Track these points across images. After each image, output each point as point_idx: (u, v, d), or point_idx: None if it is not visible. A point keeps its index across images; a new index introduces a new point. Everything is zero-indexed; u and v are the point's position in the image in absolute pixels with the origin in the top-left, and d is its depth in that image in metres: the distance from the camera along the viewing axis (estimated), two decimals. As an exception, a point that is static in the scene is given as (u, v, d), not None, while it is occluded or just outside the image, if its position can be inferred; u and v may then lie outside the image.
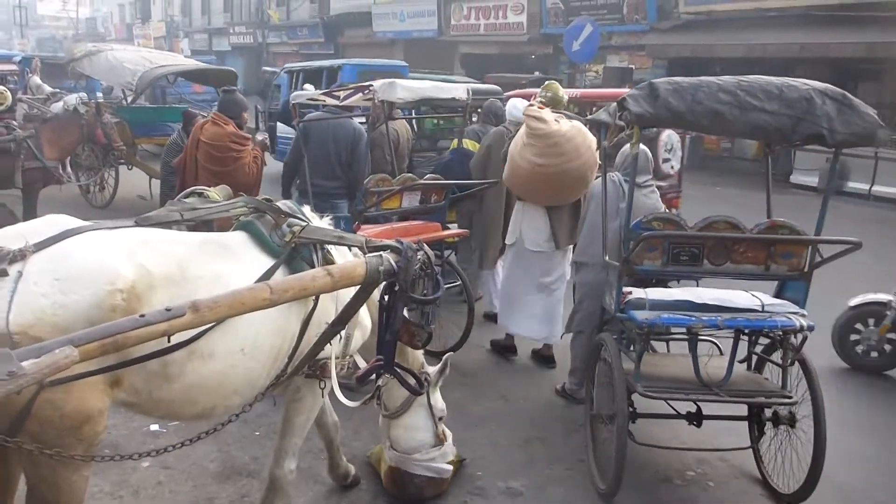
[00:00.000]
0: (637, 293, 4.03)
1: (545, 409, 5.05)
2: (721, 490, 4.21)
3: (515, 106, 6.26)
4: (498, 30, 24.06)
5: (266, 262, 2.77)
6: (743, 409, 4.30)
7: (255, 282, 2.51)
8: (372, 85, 5.83)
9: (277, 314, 2.65)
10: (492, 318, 6.38)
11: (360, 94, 6.03)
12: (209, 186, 3.32)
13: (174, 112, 11.14)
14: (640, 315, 3.83)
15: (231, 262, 2.69)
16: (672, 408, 4.32)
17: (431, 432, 3.74)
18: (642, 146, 4.45)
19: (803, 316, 3.86)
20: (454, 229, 6.27)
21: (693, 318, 3.77)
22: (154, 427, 4.39)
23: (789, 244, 4.01)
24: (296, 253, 2.85)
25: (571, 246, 5.45)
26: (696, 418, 4.27)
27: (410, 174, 6.05)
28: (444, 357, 3.74)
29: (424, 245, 3.06)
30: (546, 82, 6.27)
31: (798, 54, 15.83)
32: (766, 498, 4.13)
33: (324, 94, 6.52)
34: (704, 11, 18.32)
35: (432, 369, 3.61)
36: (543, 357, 5.84)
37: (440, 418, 3.70)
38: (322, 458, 4.00)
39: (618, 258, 4.12)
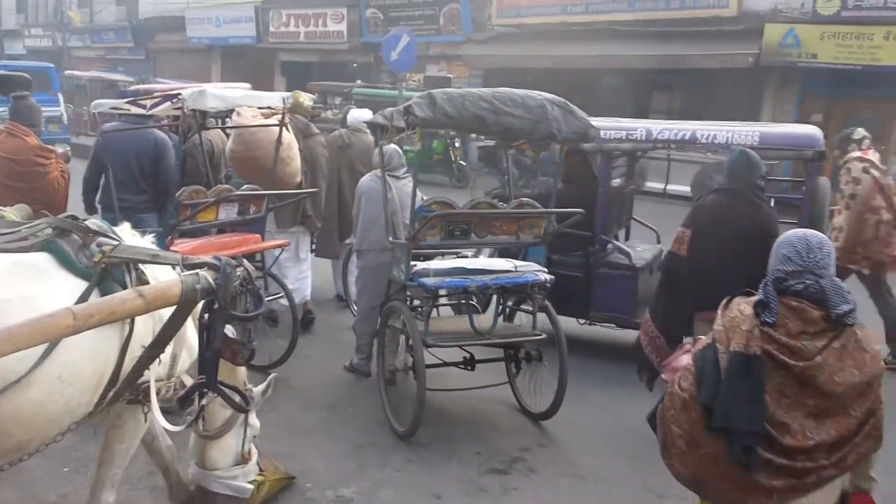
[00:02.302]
0: (421, 265, 4.83)
1: (374, 415, 5.10)
2: (490, 416, 5.18)
3: (355, 115, 7.43)
4: (318, 38, 23.90)
5: (79, 284, 2.62)
6: (504, 355, 5.28)
7: (69, 306, 2.37)
8: (181, 94, 5.62)
9: (97, 337, 2.52)
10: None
11: (169, 103, 5.80)
12: (7, 205, 3.09)
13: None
14: (429, 281, 4.65)
15: (41, 284, 2.52)
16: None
17: (239, 451, 3.67)
18: (393, 145, 5.39)
19: (545, 272, 4.92)
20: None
21: (469, 280, 4.73)
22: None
23: (532, 218, 5.13)
24: (107, 274, 2.71)
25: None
26: (469, 363, 5.19)
27: (227, 185, 5.90)
28: (269, 378, 3.71)
29: (244, 261, 3.03)
30: (293, 91, 7.24)
31: (601, 65, 17.09)
32: (522, 415, 5.21)
33: (128, 102, 6.18)
34: (515, 24, 19.29)
35: (256, 389, 3.57)
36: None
37: (254, 436, 3.66)
38: (140, 488, 3.82)
39: (405, 237, 4.90)
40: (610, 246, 6.32)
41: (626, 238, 7.24)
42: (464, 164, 7.84)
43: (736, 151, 4.63)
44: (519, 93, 4.89)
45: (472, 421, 5.13)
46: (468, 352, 5.20)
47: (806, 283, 2.38)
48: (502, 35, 19.52)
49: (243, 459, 3.61)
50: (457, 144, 9.62)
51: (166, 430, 2.89)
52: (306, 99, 6.89)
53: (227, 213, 5.65)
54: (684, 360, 2.73)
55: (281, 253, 6.11)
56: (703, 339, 2.58)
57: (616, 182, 6.75)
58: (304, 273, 6.79)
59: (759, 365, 2.34)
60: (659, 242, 7.02)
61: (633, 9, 17.08)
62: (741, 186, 4.40)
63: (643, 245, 6.96)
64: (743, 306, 2.48)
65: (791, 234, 2.52)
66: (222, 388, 3.05)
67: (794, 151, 5.63)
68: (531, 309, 5.00)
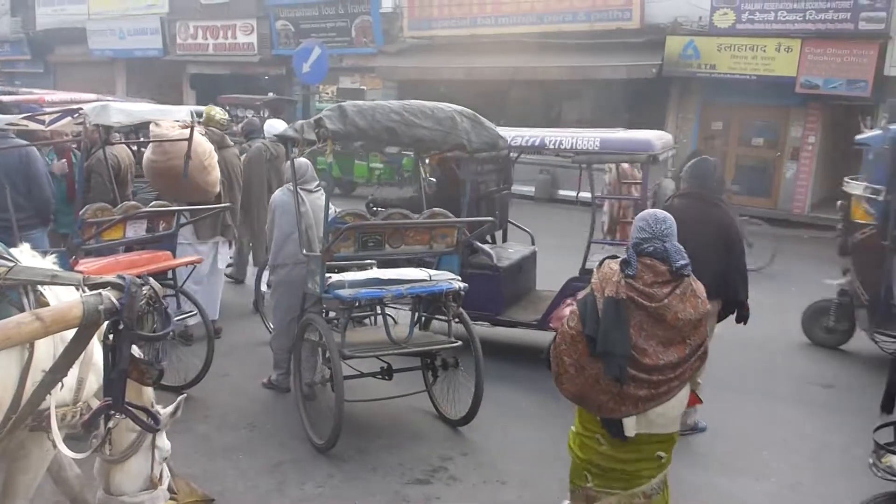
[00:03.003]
0: (336, 277, 4.82)
1: (294, 431, 5.04)
2: (410, 426, 5.22)
3: (272, 125, 7.82)
4: (228, 50, 23.43)
5: None
6: (421, 363, 5.32)
7: None
8: (82, 108, 5.42)
9: None
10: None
11: (70, 119, 5.58)
12: None
13: None
14: (344, 293, 4.64)
15: None
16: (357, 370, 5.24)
17: (148, 475, 3.55)
18: (303, 158, 5.42)
19: (459, 280, 4.99)
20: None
21: (384, 291, 4.74)
22: None
23: (444, 227, 5.24)
24: (2, 297, 2.59)
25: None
26: (387, 373, 5.18)
27: (134, 202, 5.72)
28: (178, 399, 3.61)
29: (150, 279, 2.94)
30: (208, 106, 7.50)
31: (513, 76, 17.40)
32: (443, 423, 5.27)
33: (25, 118, 5.89)
34: (427, 36, 19.43)
35: (164, 410, 3.47)
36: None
37: (164, 458, 3.55)
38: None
39: (319, 250, 4.89)
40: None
41: (504, 239, 7.53)
42: (433, 180, 7.91)
43: (694, 161, 5.56)
44: (428, 105, 5.02)
45: (392, 432, 5.13)
46: (385, 362, 5.21)
47: (655, 247, 3.22)
48: (414, 47, 19.64)
49: (153, 483, 3.48)
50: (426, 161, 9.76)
51: (73, 458, 2.76)
52: (219, 112, 7.08)
53: (136, 230, 5.49)
54: (567, 310, 3.47)
55: (193, 269, 5.96)
56: (583, 291, 3.33)
57: (491, 186, 7.12)
58: (218, 284, 6.90)
59: (624, 306, 3.14)
60: (533, 244, 7.33)
61: (541, 21, 17.46)
62: (701, 190, 5.18)
63: (517, 246, 7.23)
64: (613, 265, 3.27)
65: (644, 213, 3.40)
66: (130, 409, 2.94)
67: (629, 154, 6.02)
68: (446, 317, 5.06)
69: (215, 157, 6.47)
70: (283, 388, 5.65)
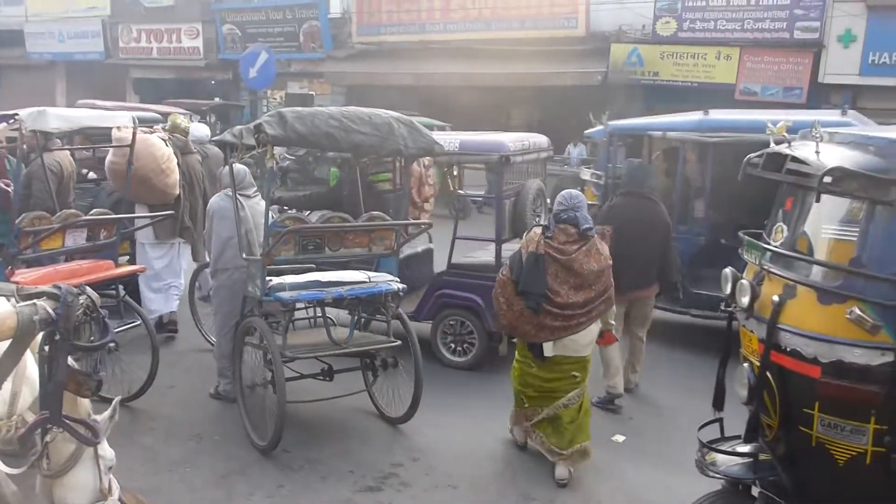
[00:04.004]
0: (276, 280, 4.85)
1: (241, 441, 4.96)
2: (360, 432, 5.17)
3: (198, 127, 7.98)
4: (173, 54, 23.01)
5: None
6: (361, 364, 5.42)
7: None
8: (17, 114, 5.25)
9: None
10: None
11: (5, 125, 5.41)
12: None
13: None
14: (285, 295, 4.70)
15: None
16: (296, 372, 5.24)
17: (96, 487, 3.45)
18: (240, 164, 5.37)
19: (397, 282, 5.11)
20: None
21: (324, 293, 4.83)
22: None
23: (382, 230, 5.36)
24: None
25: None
26: (327, 374, 5.27)
27: (74, 210, 5.57)
28: (114, 402, 3.52)
29: (87, 288, 2.86)
30: (171, 114, 7.72)
31: (462, 82, 17.48)
32: (392, 427, 5.30)
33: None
34: (376, 42, 19.40)
35: (101, 416, 3.38)
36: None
37: (109, 468, 3.46)
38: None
39: (259, 254, 4.91)
40: None
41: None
42: (461, 193, 7.53)
43: (633, 164, 6.60)
44: (366, 111, 5.18)
45: (341, 438, 5.11)
46: (326, 363, 5.27)
47: (569, 215, 4.48)
48: (363, 52, 19.58)
49: (102, 495, 3.39)
50: (455, 173, 8.80)
51: (8, 474, 2.67)
52: (183, 120, 7.24)
53: (75, 239, 5.35)
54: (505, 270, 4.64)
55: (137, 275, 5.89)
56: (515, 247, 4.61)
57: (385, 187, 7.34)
58: (178, 285, 6.97)
59: (543, 259, 4.43)
60: (430, 242, 7.50)
61: (489, 28, 17.61)
62: (640, 189, 5.93)
63: (415, 242, 7.25)
64: (537, 230, 4.58)
65: (563, 192, 4.65)
66: (67, 422, 2.86)
67: (485, 155, 6.38)
68: (385, 318, 5.18)
69: (174, 160, 6.53)
70: (231, 398, 5.55)
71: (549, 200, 6.48)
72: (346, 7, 19.70)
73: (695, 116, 7.52)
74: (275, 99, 20.99)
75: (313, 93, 20.45)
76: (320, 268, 5.28)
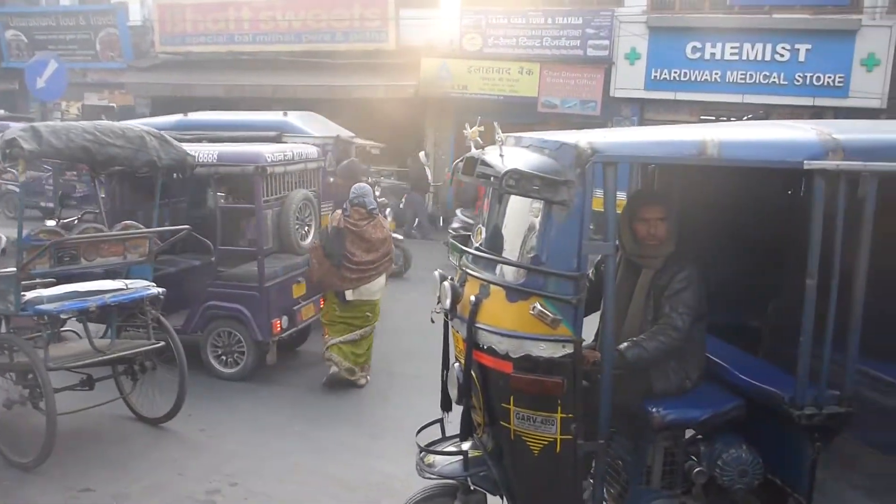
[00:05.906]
0: (32, 293, 4.87)
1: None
2: (167, 462, 5.04)
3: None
4: (-54, 61, 20.83)
5: None
6: (120, 370, 5.51)
7: None
8: None
9: None
10: None
11: None
12: None
13: None
14: (49, 307, 4.75)
15: None
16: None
17: None
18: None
19: (154, 286, 5.34)
20: None
21: (87, 302, 4.94)
22: None
23: (136, 239, 5.58)
24: None
25: None
26: (88, 384, 5.35)
27: None
28: None
29: None
30: None
31: (272, 94, 17.05)
32: (202, 451, 5.22)
33: None
34: (181, 52, 18.55)
35: None
36: None
37: None
38: None
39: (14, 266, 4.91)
40: None
41: (182, 250, 7.47)
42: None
43: (345, 162, 8.33)
44: (119, 125, 5.55)
45: (150, 469, 4.87)
46: (84, 373, 5.31)
47: (360, 201, 6.19)
48: (168, 62, 18.66)
49: None
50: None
51: None
52: None
53: None
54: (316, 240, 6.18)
55: None
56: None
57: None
58: None
59: (343, 231, 6.12)
60: (212, 255, 7.04)
61: (299, 41, 17.38)
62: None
63: (189, 257, 7.30)
64: (338, 212, 6.34)
65: (357, 186, 6.37)
66: None
67: (241, 167, 6.40)
68: (140, 323, 5.34)
69: None
70: None
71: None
72: (147, 15, 18.69)
73: (175, 118, 8.55)
74: (70, 112, 19.51)
75: (114, 105, 19.21)
76: (69, 280, 5.31)
